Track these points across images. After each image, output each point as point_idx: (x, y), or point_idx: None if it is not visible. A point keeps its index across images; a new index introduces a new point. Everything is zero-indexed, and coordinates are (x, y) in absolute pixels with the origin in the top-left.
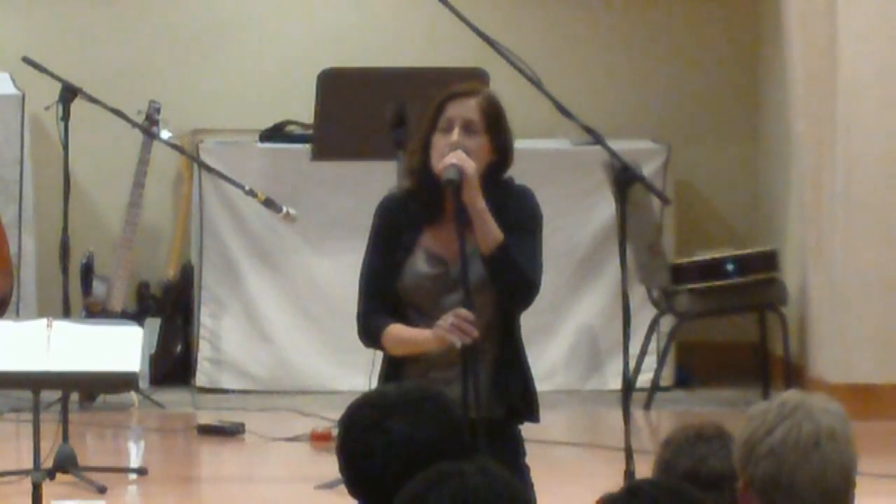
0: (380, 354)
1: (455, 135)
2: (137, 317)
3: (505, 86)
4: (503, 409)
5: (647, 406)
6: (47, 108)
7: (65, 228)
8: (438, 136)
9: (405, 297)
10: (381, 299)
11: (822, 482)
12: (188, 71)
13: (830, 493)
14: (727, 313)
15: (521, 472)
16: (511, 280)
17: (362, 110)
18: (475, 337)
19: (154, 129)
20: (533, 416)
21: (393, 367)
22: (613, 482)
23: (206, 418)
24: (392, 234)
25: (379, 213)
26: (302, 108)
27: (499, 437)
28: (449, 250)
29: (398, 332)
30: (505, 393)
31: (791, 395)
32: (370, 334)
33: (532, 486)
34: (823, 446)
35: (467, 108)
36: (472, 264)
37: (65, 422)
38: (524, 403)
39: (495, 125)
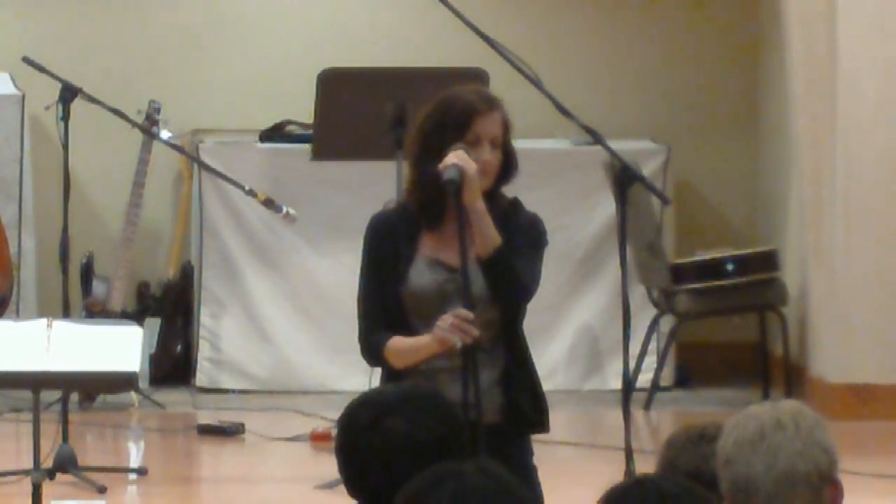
0: None
1: (487, 153)
2: (137, 317)
3: (505, 86)
4: (507, 417)
5: (647, 406)
6: (47, 108)
7: (65, 228)
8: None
9: (410, 306)
10: (381, 317)
11: (776, 467)
12: (188, 71)
13: (788, 477)
14: (727, 313)
15: (529, 472)
16: (506, 283)
17: (362, 110)
18: (475, 336)
19: (154, 129)
20: (543, 426)
21: (394, 372)
22: (613, 482)
23: (206, 418)
24: (386, 250)
25: (370, 232)
26: (302, 108)
27: (501, 440)
28: (452, 254)
29: (398, 344)
30: (514, 403)
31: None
32: (372, 353)
33: (539, 485)
34: (770, 436)
35: (494, 124)
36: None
37: (65, 422)
38: (534, 413)
39: (508, 137)
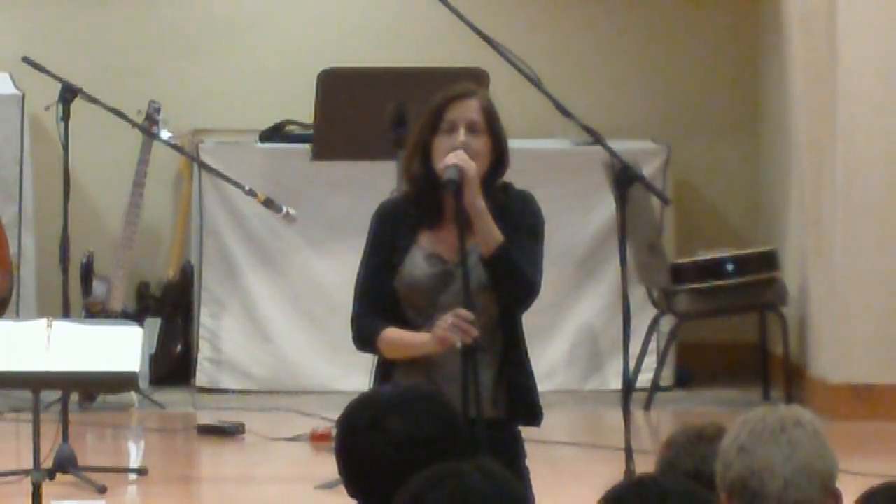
0: None
1: (461, 135)
2: (137, 317)
3: (505, 86)
4: (505, 410)
5: (647, 406)
6: (47, 108)
7: (65, 228)
8: (441, 139)
9: (404, 297)
10: (376, 303)
11: (795, 458)
12: (188, 71)
13: (806, 470)
14: (727, 313)
15: (520, 474)
16: (511, 281)
17: (362, 110)
18: (475, 336)
19: (154, 129)
20: (535, 419)
21: (388, 369)
22: (613, 482)
23: (206, 418)
24: (387, 238)
25: (375, 219)
26: (302, 108)
27: (499, 438)
28: (449, 249)
29: (395, 336)
30: (507, 394)
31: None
32: (364, 338)
33: (531, 487)
34: (790, 430)
35: (469, 109)
36: (475, 265)
37: (65, 422)
38: (526, 405)
39: (495, 124)
